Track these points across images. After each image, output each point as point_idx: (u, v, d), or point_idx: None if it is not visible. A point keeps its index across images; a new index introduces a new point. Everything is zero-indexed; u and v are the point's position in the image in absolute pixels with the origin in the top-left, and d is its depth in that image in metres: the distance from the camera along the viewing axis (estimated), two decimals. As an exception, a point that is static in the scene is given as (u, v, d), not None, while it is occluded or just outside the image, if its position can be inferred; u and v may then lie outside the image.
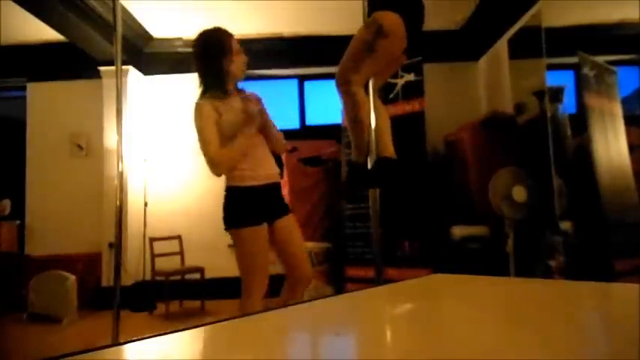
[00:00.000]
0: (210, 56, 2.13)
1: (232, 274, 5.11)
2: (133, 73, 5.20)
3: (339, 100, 2.02)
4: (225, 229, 2.12)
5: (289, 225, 2.24)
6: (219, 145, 2.07)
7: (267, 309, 0.78)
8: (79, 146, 5.46)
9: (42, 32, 4.70)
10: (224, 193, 2.15)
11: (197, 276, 4.63)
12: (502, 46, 4.78)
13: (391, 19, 1.99)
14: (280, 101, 5.76)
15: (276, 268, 5.34)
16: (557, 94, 4.05)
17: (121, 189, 2.64)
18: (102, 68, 5.04)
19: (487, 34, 5.07)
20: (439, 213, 4.22)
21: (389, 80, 4.41)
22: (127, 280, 4.66)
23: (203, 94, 2.17)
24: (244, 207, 2.11)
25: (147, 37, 5.26)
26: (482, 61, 5.46)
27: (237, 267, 2.19)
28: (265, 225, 2.14)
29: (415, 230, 4.15)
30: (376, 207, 2.41)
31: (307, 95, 5.72)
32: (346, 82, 1.98)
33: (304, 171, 4.64)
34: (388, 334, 0.67)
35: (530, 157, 3.85)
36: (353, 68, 2.00)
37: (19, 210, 5.31)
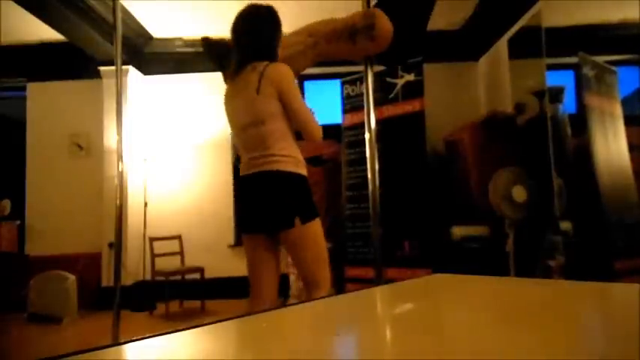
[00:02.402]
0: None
1: (232, 274, 5.17)
2: (133, 73, 5.21)
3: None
4: (304, 222, 1.83)
5: None
6: None
7: (267, 309, 0.78)
8: (79, 146, 5.46)
9: (42, 32, 4.70)
10: (290, 181, 1.85)
11: (197, 276, 4.63)
12: (502, 46, 4.78)
13: (386, 28, 2.00)
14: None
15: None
16: (557, 94, 4.06)
17: (121, 189, 2.64)
18: (102, 68, 5.05)
19: (487, 34, 5.08)
20: (439, 213, 4.22)
21: (389, 80, 4.41)
22: (127, 280, 4.66)
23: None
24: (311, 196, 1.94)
25: (147, 37, 5.26)
26: (482, 61, 5.46)
27: (309, 261, 1.90)
28: None
29: (415, 230, 4.15)
30: (376, 207, 2.40)
31: (307, 95, 5.73)
32: (312, 39, 1.98)
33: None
34: (388, 334, 0.67)
35: (530, 157, 3.85)
36: (326, 42, 2.00)
37: (19, 210, 5.31)
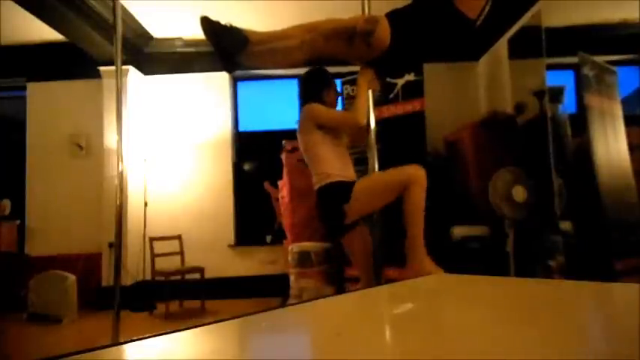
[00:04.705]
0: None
1: (232, 274, 5.16)
2: (133, 73, 5.20)
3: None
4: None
5: None
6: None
7: (271, 308, 0.78)
8: (79, 146, 5.46)
9: (42, 32, 4.70)
10: (321, 194, 2.32)
11: (197, 276, 4.63)
12: (502, 46, 4.78)
13: (383, 38, 2.03)
14: (280, 101, 5.77)
15: (276, 268, 5.34)
16: (557, 94, 4.05)
17: (121, 189, 2.64)
18: (102, 68, 5.04)
19: (487, 34, 5.07)
20: (439, 213, 4.22)
21: (389, 80, 4.41)
22: (126, 280, 4.66)
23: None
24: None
25: (147, 37, 5.26)
26: (483, 61, 5.45)
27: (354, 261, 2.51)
28: None
29: (415, 230, 4.13)
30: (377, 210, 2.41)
31: (307, 95, 5.72)
32: (310, 35, 2.06)
33: (304, 171, 4.60)
34: (388, 334, 0.67)
35: (530, 157, 3.85)
36: (323, 40, 2.05)
37: (19, 210, 5.31)
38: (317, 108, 2.34)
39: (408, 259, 2.35)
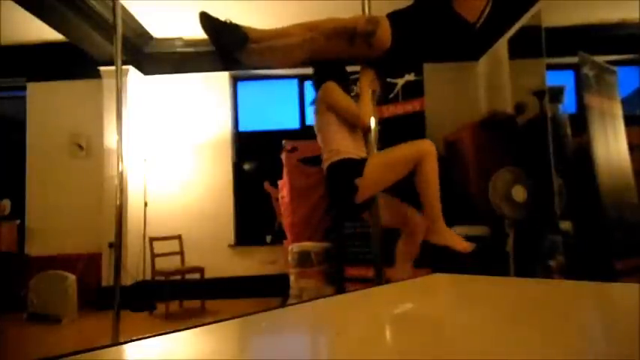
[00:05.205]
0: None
1: (232, 274, 5.16)
2: (133, 73, 5.20)
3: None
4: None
5: None
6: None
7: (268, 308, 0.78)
8: (79, 146, 5.46)
9: (42, 32, 4.70)
10: (330, 170, 2.27)
11: (197, 276, 4.63)
12: (502, 46, 4.78)
13: (385, 38, 2.03)
14: (280, 101, 5.77)
15: (275, 268, 5.34)
16: (557, 94, 4.05)
17: (121, 189, 2.64)
18: (102, 68, 5.04)
19: (487, 34, 5.08)
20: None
21: (389, 80, 4.41)
22: (126, 280, 4.66)
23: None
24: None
25: (147, 37, 5.26)
26: (482, 61, 5.45)
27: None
28: None
29: (415, 230, 4.14)
30: (376, 206, 2.41)
31: (307, 95, 5.73)
32: (310, 33, 2.06)
33: (304, 171, 4.64)
34: (388, 334, 0.67)
35: (530, 157, 3.85)
36: (324, 39, 2.05)
37: (19, 210, 5.31)
38: (332, 87, 2.23)
39: (428, 232, 2.35)
